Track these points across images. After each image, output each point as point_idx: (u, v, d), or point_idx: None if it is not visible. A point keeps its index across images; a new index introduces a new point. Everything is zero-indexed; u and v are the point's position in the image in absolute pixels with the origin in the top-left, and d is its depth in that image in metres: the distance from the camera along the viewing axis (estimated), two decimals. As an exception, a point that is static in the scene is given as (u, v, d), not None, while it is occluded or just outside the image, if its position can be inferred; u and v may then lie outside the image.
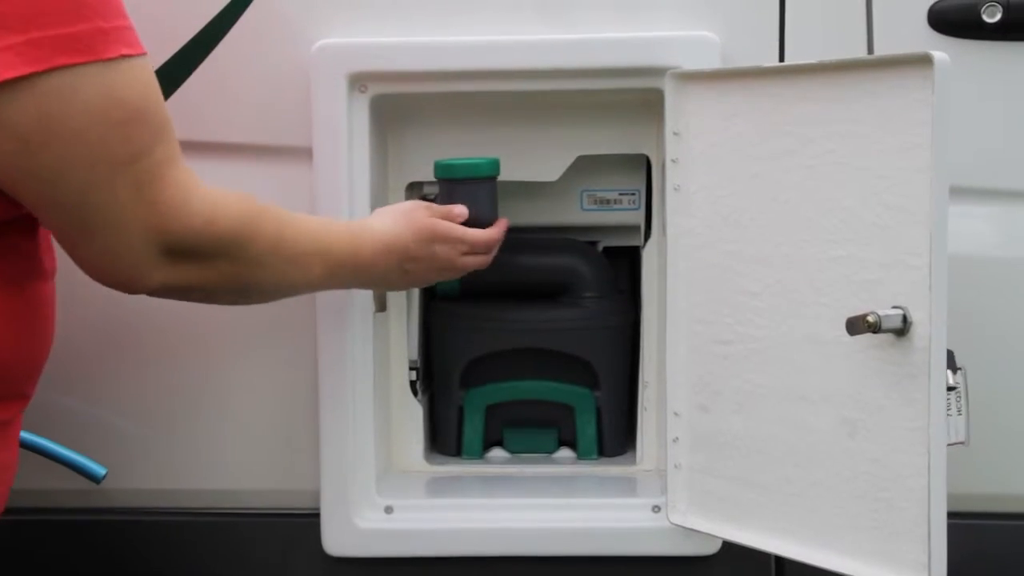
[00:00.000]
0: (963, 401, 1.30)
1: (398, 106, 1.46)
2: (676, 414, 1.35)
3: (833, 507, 1.20)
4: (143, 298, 1.44)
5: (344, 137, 1.38)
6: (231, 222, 1.08)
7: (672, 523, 1.36)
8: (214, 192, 1.08)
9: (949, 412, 1.29)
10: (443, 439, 1.59)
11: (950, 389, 1.29)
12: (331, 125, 1.38)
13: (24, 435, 1.19)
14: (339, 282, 1.25)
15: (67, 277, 1.45)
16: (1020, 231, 1.40)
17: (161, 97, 1.06)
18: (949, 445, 1.28)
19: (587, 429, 1.57)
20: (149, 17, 1.38)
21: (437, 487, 1.51)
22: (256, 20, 1.39)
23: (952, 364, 1.29)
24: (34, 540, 1.47)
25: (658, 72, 1.34)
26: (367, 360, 1.42)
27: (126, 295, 1.40)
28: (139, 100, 1.02)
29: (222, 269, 1.09)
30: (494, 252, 1.37)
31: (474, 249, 1.34)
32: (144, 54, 1.03)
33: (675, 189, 1.34)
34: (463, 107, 1.47)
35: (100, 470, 1.32)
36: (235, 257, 1.09)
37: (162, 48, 1.38)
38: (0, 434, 1.11)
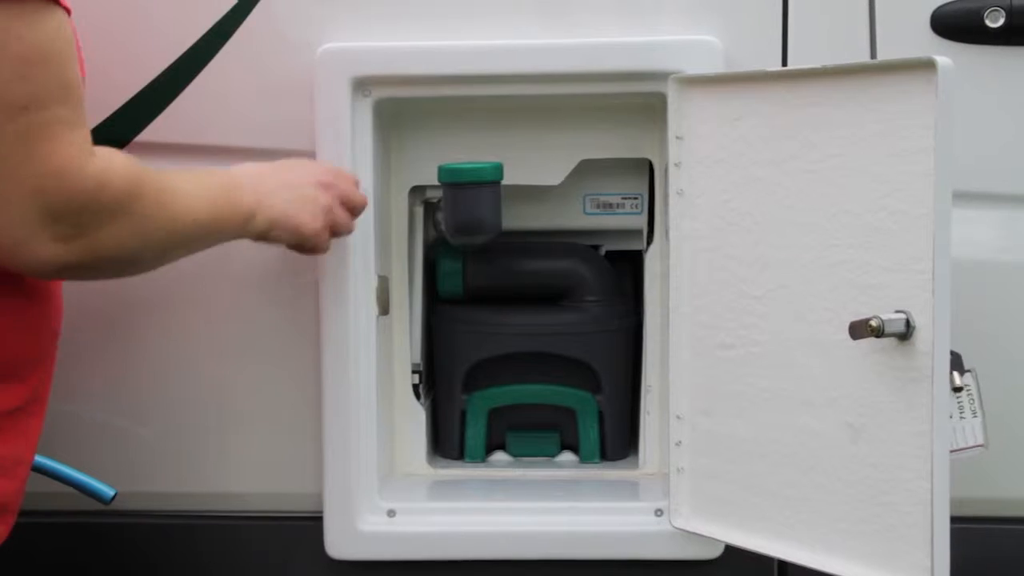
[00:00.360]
0: (976, 403, 1.29)
1: (401, 110, 1.46)
2: (679, 418, 1.35)
3: (836, 511, 1.20)
4: (144, 299, 1.45)
5: (348, 141, 1.38)
6: (121, 183, 1.03)
7: (675, 527, 1.36)
8: (104, 154, 1.03)
9: (963, 415, 1.29)
10: (446, 443, 1.59)
11: (957, 390, 1.29)
12: (335, 129, 1.38)
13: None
14: (227, 209, 1.18)
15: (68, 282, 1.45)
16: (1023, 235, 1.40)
17: (75, 60, 1.02)
18: (966, 449, 1.28)
19: (590, 433, 1.57)
20: (154, 20, 1.39)
21: (439, 491, 1.51)
22: (260, 24, 1.39)
23: (959, 366, 1.29)
24: (36, 543, 1.47)
25: (661, 76, 1.34)
26: (370, 364, 1.42)
27: (126, 298, 1.41)
28: (45, 45, 0.98)
29: (113, 233, 1.03)
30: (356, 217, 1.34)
31: (350, 192, 1.32)
32: (65, 9, 1.00)
33: (678, 193, 1.34)
34: (466, 111, 1.47)
35: (108, 491, 1.31)
36: (125, 219, 1.04)
37: (167, 51, 1.38)
38: (9, 424, 1.10)
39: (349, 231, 1.33)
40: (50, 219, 0.99)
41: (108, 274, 1.13)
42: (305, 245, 1.28)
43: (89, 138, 1.02)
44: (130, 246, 1.06)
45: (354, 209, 1.33)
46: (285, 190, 1.25)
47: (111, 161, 1.03)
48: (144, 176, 1.06)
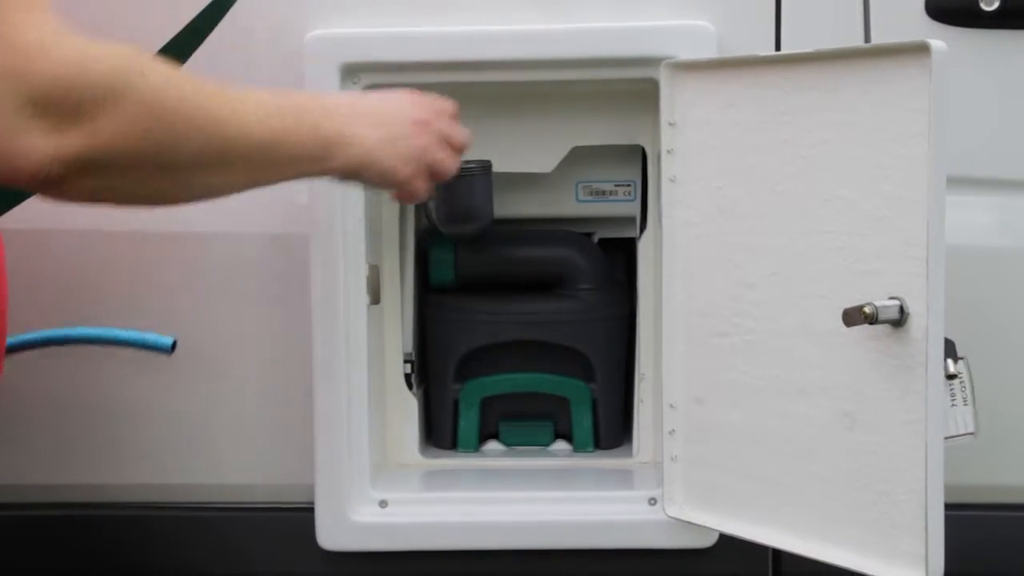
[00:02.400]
0: (968, 391, 1.29)
1: (392, 97, 1.45)
2: (672, 406, 1.35)
3: (831, 499, 1.19)
4: (134, 290, 1.44)
5: (337, 128, 1.37)
6: (111, 60, 0.88)
7: (669, 516, 1.35)
8: (86, 40, 0.88)
9: (954, 403, 1.29)
10: (438, 432, 1.58)
11: (951, 377, 1.28)
12: (324, 116, 1.37)
13: (82, 330, 1.12)
14: (296, 131, 1.02)
15: (57, 276, 1.45)
16: (1019, 221, 1.40)
17: None
18: (957, 436, 1.27)
19: (583, 422, 1.56)
20: (140, 7, 1.38)
21: (432, 481, 1.50)
22: (248, 10, 1.38)
23: (952, 353, 1.28)
24: (26, 536, 1.46)
25: (654, 62, 1.33)
26: (361, 353, 1.41)
27: (118, 291, 1.40)
28: None
29: (114, 119, 0.88)
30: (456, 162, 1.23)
31: (450, 130, 1.22)
32: None
33: (671, 180, 1.33)
34: (457, 98, 1.44)
35: (167, 341, 1.25)
36: (124, 100, 0.88)
37: (153, 39, 1.37)
38: None
39: (448, 174, 1.20)
40: (34, 105, 0.85)
41: (129, 181, 0.94)
42: (400, 191, 1.17)
43: (58, 20, 0.88)
44: (137, 136, 0.90)
45: (456, 147, 1.21)
46: (377, 126, 1.12)
47: (95, 43, 0.88)
48: (145, 57, 0.92)
